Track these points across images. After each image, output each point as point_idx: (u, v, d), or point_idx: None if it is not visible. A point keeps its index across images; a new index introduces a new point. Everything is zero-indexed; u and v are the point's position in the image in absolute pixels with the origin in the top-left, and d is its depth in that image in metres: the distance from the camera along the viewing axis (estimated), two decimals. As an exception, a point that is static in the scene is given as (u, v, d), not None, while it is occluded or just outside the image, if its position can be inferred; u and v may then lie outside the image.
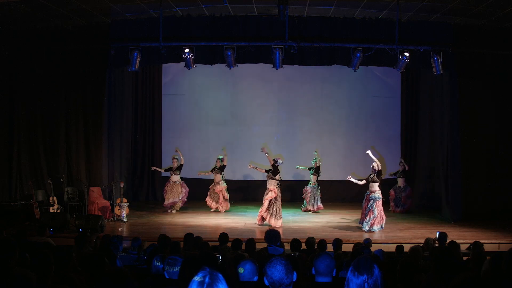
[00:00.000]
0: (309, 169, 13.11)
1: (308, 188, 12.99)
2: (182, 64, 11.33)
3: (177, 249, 5.66)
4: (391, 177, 13.33)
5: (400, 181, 13.12)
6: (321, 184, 13.17)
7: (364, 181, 10.71)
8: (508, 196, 11.71)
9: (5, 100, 12.03)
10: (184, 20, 11.37)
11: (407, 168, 13.11)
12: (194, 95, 14.64)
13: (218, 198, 12.69)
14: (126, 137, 13.74)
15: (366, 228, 10.32)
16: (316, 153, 13.04)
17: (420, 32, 11.26)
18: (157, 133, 14.81)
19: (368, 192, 10.61)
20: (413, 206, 13.17)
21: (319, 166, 12.93)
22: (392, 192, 13.18)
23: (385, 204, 12.04)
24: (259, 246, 6.71)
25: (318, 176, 12.96)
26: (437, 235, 7.75)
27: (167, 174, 13.01)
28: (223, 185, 12.71)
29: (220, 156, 12.90)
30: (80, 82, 12.24)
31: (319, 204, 12.86)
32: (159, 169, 13.20)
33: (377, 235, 10.05)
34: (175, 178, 12.69)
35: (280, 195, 10.92)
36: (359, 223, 10.71)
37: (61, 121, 12.28)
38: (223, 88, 14.58)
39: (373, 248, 7.53)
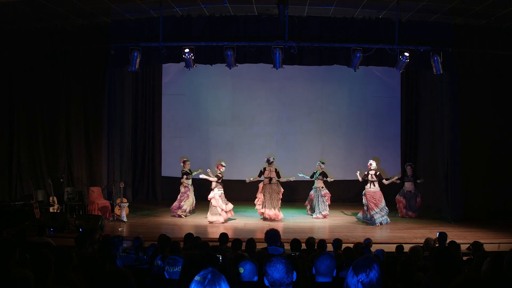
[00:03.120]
0: (311, 176, 12.33)
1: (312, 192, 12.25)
2: (182, 64, 11.33)
3: (177, 249, 5.66)
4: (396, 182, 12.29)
5: (410, 186, 12.26)
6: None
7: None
8: (508, 196, 11.71)
9: (5, 100, 12.03)
10: (184, 20, 11.37)
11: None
12: (194, 95, 14.63)
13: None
14: (126, 137, 13.73)
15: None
16: (322, 163, 12.19)
17: (420, 32, 11.26)
18: (157, 133, 14.81)
19: (378, 188, 11.39)
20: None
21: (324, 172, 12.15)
22: (401, 198, 12.27)
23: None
24: (259, 246, 6.71)
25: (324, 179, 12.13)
26: (437, 235, 7.76)
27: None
28: None
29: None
30: (80, 82, 12.24)
31: (323, 212, 11.91)
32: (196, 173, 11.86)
33: (377, 235, 10.04)
34: (190, 181, 11.99)
35: (265, 191, 11.75)
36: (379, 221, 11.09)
37: (61, 121, 12.28)
38: (223, 88, 14.57)
39: (373, 248, 7.54)
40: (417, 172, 12.58)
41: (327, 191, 12.03)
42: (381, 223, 11.11)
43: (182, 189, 11.86)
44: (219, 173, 11.49)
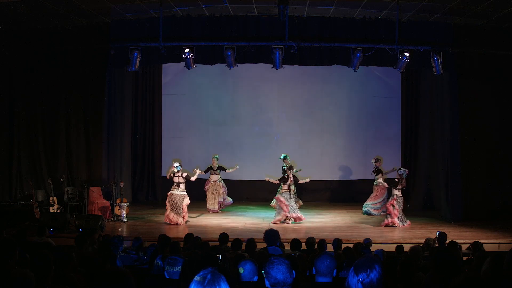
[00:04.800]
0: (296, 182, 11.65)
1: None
2: (182, 64, 11.33)
3: (177, 249, 5.66)
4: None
5: (393, 190, 11.16)
6: (320, 184, 13.03)
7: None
8: (508, 196, 11.72)
9: (5, 100, 12.04)
10: (184, 20, 11.37)
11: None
12: (194, 95, 14.62)
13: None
14: (126, 137, 13.71)
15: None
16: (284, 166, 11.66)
17: (420, 32, 11.26)
18: (157, 133, 14.79)
19: (379, 183, 12.27)
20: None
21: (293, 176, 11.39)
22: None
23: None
24: (259, 246, 6.71)
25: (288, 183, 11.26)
26: (437, 235, 7.76)
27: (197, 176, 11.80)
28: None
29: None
30: (80, 82, 12.25)
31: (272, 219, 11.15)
32: (198, 171, 11.52)
33: (377, 235, 10.04)
34: (216, 177, 12.57)
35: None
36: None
37: (61, 121, 12.29)
38: (223, 88, 14.57)
39: (373, 248, 7.54)
40: (402, 178, 11.05)
41: (280, 197, 11.21)
42: (366, 213, 12.35)
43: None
44: (171, 173, 11.33)
